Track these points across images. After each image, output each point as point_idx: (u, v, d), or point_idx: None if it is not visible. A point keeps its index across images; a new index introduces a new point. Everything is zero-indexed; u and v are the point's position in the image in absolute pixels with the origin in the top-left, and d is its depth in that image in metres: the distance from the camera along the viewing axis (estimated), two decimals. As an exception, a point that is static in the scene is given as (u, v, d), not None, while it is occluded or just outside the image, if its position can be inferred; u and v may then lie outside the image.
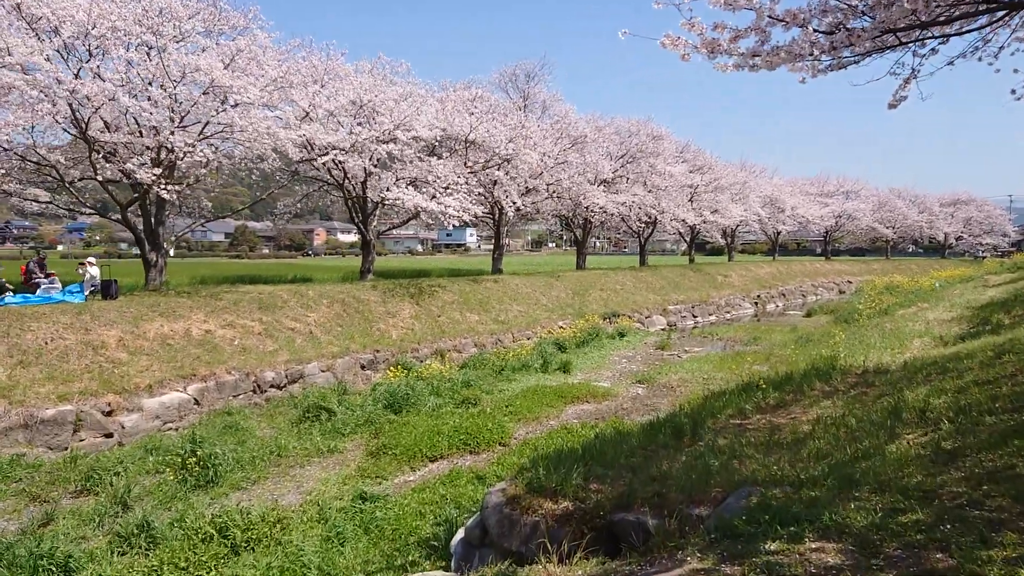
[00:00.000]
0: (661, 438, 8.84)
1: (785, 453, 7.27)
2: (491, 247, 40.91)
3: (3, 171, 19.46)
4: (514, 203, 31.03)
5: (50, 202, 23.19)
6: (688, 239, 56.97)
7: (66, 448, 12.96)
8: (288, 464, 12.76)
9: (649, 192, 41.45)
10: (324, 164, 23.77)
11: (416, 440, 13.25)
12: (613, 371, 21.14)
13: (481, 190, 30.55)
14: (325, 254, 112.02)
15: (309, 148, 22.98)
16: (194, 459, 11.66)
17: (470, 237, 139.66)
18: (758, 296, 46.69)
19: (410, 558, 8.47)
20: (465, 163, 28.29)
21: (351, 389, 17.84)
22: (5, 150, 19.18)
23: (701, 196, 48.34)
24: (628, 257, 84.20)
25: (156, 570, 8.21)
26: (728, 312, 41.36)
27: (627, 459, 7.87)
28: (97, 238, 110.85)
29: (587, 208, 37.99)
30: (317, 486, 11.60)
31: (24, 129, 18.04)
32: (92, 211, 23.49)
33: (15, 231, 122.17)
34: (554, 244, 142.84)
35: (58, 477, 11.69)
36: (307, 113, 22.42)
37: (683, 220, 46.50)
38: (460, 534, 7.64)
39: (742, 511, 5.27)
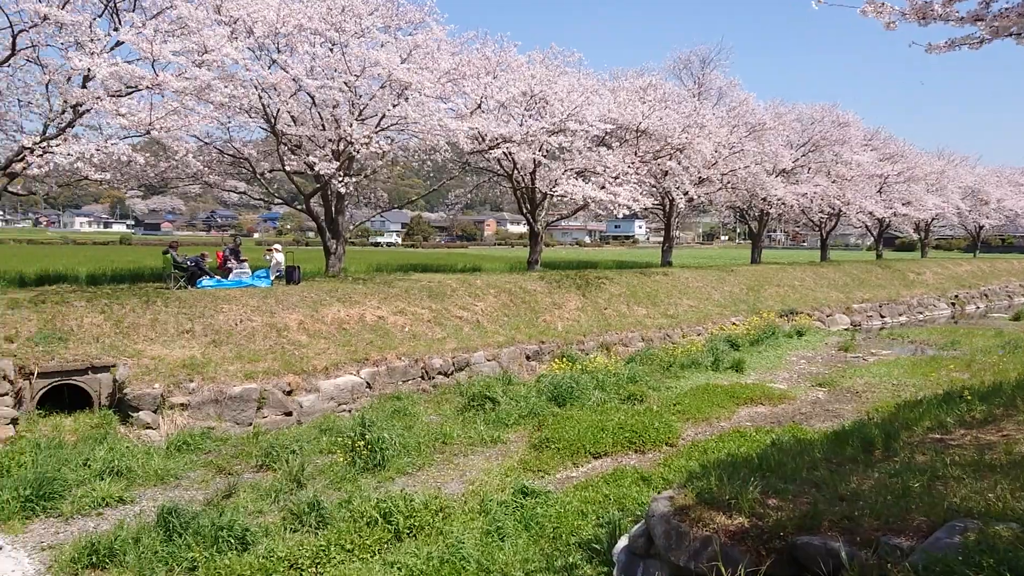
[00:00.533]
0: (848, 450, 7.95)
1: (1002, 479, 6.25)
2: (660, 239, 39.93)
3: (204, 163, 21.06)
4: (686, 193, 30.02)
5: (245, 192, 24.93)
6: (875, 233, 53.26)
7: (250, 424, 13.77)
8: (452, 452, 12.84)
9: (833, 182, 39.09)
10: (495, 156, 23.97)
11: (579, 435, 12.92)
12: (790, 372, 19.88)
13: (652, 180, 29.78)
14: (495, 244, 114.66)
15: (480, 140, 23.21)
16: (363, 442, 11.95)
17: (639, 229, 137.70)
18: (956, 296, 42.64)
19: (570, 560, 8.14)
20: (635, 152, 27.62)
21: (515, 379, 17.79)
22: (206, 143, 20.79)
23: (891, 187, 44.98)
24: (807, 251, 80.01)
25: (324, 550, 8.39)
26: (920, 312, 38.08)
27: (809, 472, 7.13)
28: (288, 226, 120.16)
29: (764, 199, 36.36)
30: (479, 476, 11.55)
31: (221, 124, 19.43)
32: (281, 201, 25.08)
33: (219, 220, 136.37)
34: (727, 237, 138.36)
35: (241, 451, 12.40)
36: (479, 104, 22.64)
37: (870, 212, 43.39)
38: (623, 541, 7.21)
39: (957, 549, 4.49)
